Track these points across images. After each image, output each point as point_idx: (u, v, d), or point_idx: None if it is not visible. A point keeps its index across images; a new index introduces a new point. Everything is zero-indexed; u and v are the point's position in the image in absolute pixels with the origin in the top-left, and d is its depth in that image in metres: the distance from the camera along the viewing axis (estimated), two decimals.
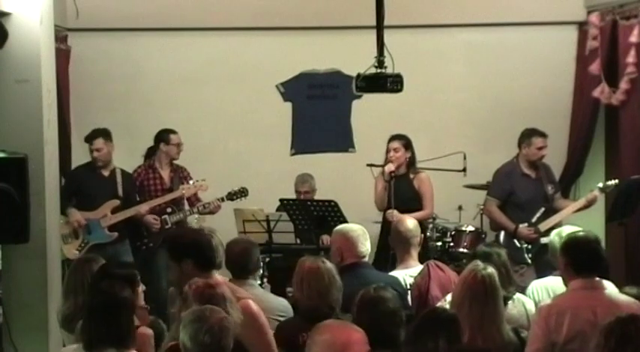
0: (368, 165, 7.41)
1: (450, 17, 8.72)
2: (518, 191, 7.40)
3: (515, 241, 7.25)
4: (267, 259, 7.22)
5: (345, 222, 6.52)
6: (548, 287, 5.11)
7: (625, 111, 8.03)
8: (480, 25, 8.78)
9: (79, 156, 8.09)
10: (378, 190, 7.39)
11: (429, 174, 7.45)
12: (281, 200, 7.34)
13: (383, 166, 7.34)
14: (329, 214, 6.99)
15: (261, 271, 6.48)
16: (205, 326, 3.50)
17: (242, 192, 7.58)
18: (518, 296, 4.94)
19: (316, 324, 3.97)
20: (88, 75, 8.65)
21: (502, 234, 7.41)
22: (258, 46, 8.77)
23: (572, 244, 4.54)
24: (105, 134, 7.53)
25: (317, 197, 7.76)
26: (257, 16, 8.61)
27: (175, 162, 7.86)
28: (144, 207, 7.48)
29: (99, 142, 7.47)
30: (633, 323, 3.44)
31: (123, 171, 7.63)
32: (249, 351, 3.95)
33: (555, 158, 8.14)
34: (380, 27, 6.53)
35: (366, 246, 5.22)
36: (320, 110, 8.95)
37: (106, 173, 7.56)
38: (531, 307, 4.89)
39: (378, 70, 6.47)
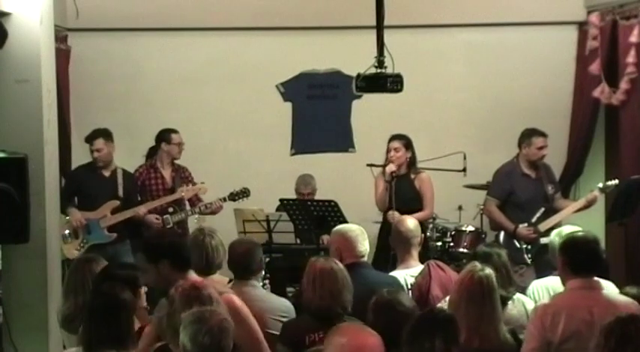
0: (368, 165, 7.41)
1: (450, 17, 8.72)
2: (518, 191, 7.40)
3: (515, 241, 7.25)
4: (267, 259, 7.20)
5: (345, 222, 6.52)
6: (548, 287, 5.11)
7: (625, 111, 8.03)
8: (480, 25, 8.78)
9: (79, 156, 8.09)
10: (379, 191, 7.38)
11: (429, 174, 7.45)
12: (281, 200, 7.34)
13: (383, 166, 7.34)
14: (329, 214, 6.99)
15: (263, 272, 6.47)
16: (205, 327, 3.50)
17: (244, 193, 7.59)
18: (518, 296, 4.94)
19: (326, 325, 4.02)
20: (88, 75, 8.66)
21: (502, 234, 7.41)
22: (258, 46, 8.77)
23: (571, 244, 4.54)
24: (105, 134, 7.53)
25: (317, 197, 7.76)
26: (257, 16, 8.62)
27: (177, 162, 7.86)
28: (142, 209, 7.49)
29: (99, 143, 7.47)
30: (633, 323, 3.44)
31: (124, 172, 7.63)
32: (241, 348, 3.94)
33: (555, 158, 8.14)
34: (380, 27, 6.53)
35: (365, 246, 5.22)
36: (320, 110, 8.96)
37: (106, 173, 7.56)
38: (531, 307, 4.87)
39: (378, 70, 6.47)
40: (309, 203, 7.24)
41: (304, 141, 8.99)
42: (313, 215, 7.06)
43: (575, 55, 8.74)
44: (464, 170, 7.41)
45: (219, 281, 5.16)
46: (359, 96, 8.64)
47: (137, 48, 8.80)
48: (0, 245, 6.26)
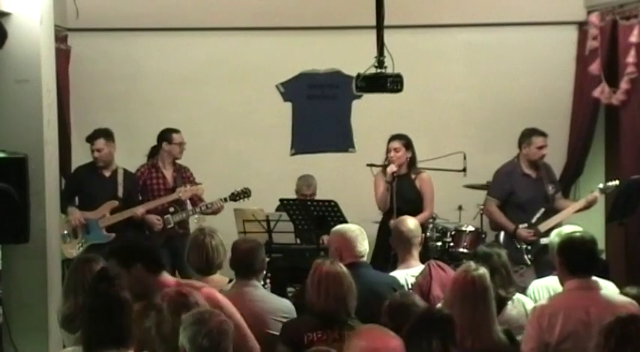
0: (368, 165, 7.41)
1: (450, 17, 8.72)
2: (519, 191, 7.40)
3: (515, 241, 7.24)
4: (268, 259, 7.20)
5: (345, 222, 6.51)
6: (549, 287, 5.10)
7: (625, 111, 8.03)
8: (480, 25, 8.78)
9: (79, 156, 8.09)
10: (379, 191, 7.37)
11: (429, 174, 7.45)
12: (281, 200, 7.33)
13: (383, 166, 7.34)
14: (329, 214, 6.99)
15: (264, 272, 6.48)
16: (204, 329, 3.50)
17: (245, 193, 7.60)
18: (518, 296, 4.94)
19: (327, 326, 4.07)
20: (88, 75, 8.66)
21: (502, 234, 7.41)
22: (258, 46, 8.77)
23: (568, 245, 4.55)
24: (106, 134, 7.53)
25: (317, 197, 7.76)
26: (257, 16, 8.62)
27: (178, 162, 7.87)
28: (140, 210, 7.49)
29: (100, 143, 7.48)
30: (633, 323, 3.44)
31: (125, 171, 7.63)
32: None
33: (555, 158, 8.14)
34: (380, 27, 6.53)
35: (365, 246, 5.22)
36: (320, 110, 8.96)
37: (107, 173, 7.57)
38: (531, 308, 4.88)
39: (378, 70, 6.47)
40: (309, 203, 7.24)
41: (304, 141, 8.99)
42: (313, 215, 7.06)
43: (575, 55, 8.74)
44: (464, 170, 7.41)
45: (219, 281, 5.16)
46: (359, 96, 8.64)
47: (137, 48, 8.80)
48: (0, 245, 6.26)
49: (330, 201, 7.03)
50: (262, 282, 5.32)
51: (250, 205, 7.53)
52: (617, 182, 7.35)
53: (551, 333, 4.26)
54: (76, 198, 7.66)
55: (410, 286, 5.32)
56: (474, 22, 8.76)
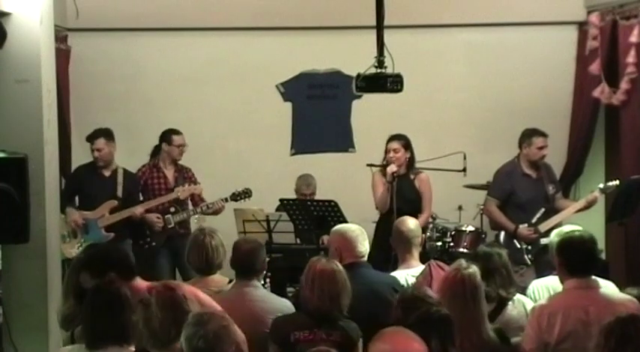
0: (368, 165, 7.41)
1: (450, 17, 8.72)
2: (519, 191, 7.40)
3: (515, 241, 7.24)
4: (268, 259, 7.19)
5: (345, 222, 6.51)
6: (549, 287, 5.10)
7: (625, 111, 8.03)
8: (480, 25, 8.78)
9: (79, 156, 8.09)
10: (378, 191, 7.35)
11: (429, 174, 7.45)
12: (281, 200, 7.33)
13: (383, 166, 7.34)
14: (329, 214, 6.99)
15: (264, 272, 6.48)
16: (201, 331, 3.51)
17: (246, 193, 7.60)
18: (518, 297, 4.93)
19: (317, 325, 4.11)
20: (88, 75, 8.66)
21: (502, 234, 7.41)
22: (258, 46, 8.77)
23: (567, 244, 4.54)
24: (106, 134, 7.53)
25: (317, 197, 7.76)
26: (257, 16, 8.62)
27: (180, 162, 7.87)
28: (139, 209, 7.48)
29: (100, 142, 7.48)
30: (633, 324, 3.45)
31: (125, 171, 7.63)
32: None
33: (555, 158, 8.14)
34: (380, 27, 6.52)
35: (365, 246, 5.21)
36: (320, 110, 8.96)
37: (107, 173, 7.57)
38: (531, 308, 4.88)
39: (378, 70, 6.46)
40: (309, 203, 7.25)
41: (304, 141, 8.99)
42: (313, 215, 7.06)
43: (575, 55, 8.74)
44: (464, 170, 7.41)
45: (220, 281, 5.16)
46: (359, 96, 8.64)
47: (137, 48, 8.80)
48: (0, 245, 6.26)
49: (330, 201, 7.03)
50: (262, 282, 5.32)
51: (250, 205, 7.53)
52: (617, 182, 7.35)
53: (550, 333, 4.26)
54: (76, 198, 7.66)
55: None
56: (474, 22, 8.76)
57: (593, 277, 4.47)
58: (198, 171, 7.96)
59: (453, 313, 4.10)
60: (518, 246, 7.22)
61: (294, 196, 7.75)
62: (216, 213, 7.62)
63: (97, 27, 8.56)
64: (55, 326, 5.40)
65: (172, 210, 7.63)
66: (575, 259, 4.43)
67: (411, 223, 5.66)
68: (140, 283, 4.44)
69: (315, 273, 4.47)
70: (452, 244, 7.55)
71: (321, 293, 4.40)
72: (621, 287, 4.88)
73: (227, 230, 6.55)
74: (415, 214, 6.66)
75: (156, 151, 7.91)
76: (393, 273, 5.48)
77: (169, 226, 7.59)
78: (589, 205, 7.37)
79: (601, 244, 6.92)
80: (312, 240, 7.23)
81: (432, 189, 7.40)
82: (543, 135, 7.42)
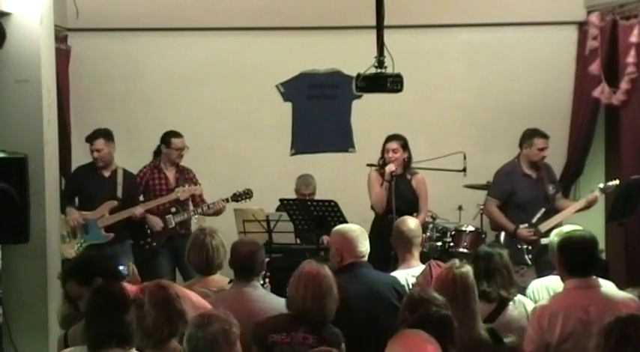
0: (368, 165, 7.41)
1: (450, 17, 8.72)
2: (519, 191, 7.40)
3: (516, 242, 7.24)
4: (267, 259, 7.19)
5: (345, 222, 6.51)
6: (548, 286, 5.10)
7: (625, 111, 8.03)
8: (480, 25, 8.78)
9: (79, 156, 8.09)
10: (375, 191, 7.35)
11: (428, 174, 7.45)
12: (281, 200, 7.33)
13: (382, 166, 7.33)
14: (329, 214, 6.98)
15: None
16: (200, 332, 3.52)
17: (247, 194, 7.60)
18: (519, 297, 4.93)
19: (296, 328, 4.17)
20: (88, 75, 8.65)
21: (502, 234, 7.41)
22: (258, 46, 8.77)
23: (567, 244, 4.55)
24: (106, 134, 7.52)
25: (317, 197, 7.75)
26: (257, 16, 8.61)
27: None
28: (138, 210, 7.48)
29: (99, 143, 7.47)
30: (633, 324, 3.44)
31: (125, 172, 7.62)
32: None
33: (555, 158, 8.14)
34: (380, 27, 6.52)
35: (366, 246, 5.21)
36: (320, 110, 8.96)
37: (106, 173, 7.56)
38: (532, 308, 4.88)
39: (378, 70, 6.46)
40: (309, 203, 7.24)
41: (304, 141, 8.99)
42: (313, 215, 7.06)
43: (575, 55, 8.74)
44: (464, 170, 7.41)
45: (220, 281, 5.16)
46: (359, 96, 8.64)
47: (137, 48, 8.80)
48: (0, 245, 6.26)
49: (330, 201, 7.03)
50: (262, 282, 5.31)
51: (250, 205, 7.53)
52: (617, 182, 7.35)
53: (551, 333, 4.26)
54: (76, 199, 7.66)
55: (410, 286, 5.31)
56: (474, 22, 8.76)
57: (594, 277, 4.47)
58: (198, 171, 7.95)
59: None
60: (519, 246, 7.21)
61: (294, 196, 7.75)
62: (217, 213, 7.62)
63: (97, 27, 8.55)
64: (55, 326, 5.39)
65: (173, 210, 7.63)
66: (576, 259, 4.44)
67: (411, 223, 5.66)
68: (129, 287, 4.43)
69: (302, 274, 4.47)
70: (452, 244, 7.54)
71: (305, 293, 4.39)
72: (621, 287, 4.88)
73: (227, 230, 6.55)
74: (412, 214, 6.65)
75: (158, 152, 7.91)
76: (393, 273, 5.48)
77: (170, 226, 7.59)
78: (589, 205, 7.37)
79: (601, 244, 6.88)
80: (312, 240, 7.22)
81: (427, 190, 7.41)
82: (545, 136, 7.41)
